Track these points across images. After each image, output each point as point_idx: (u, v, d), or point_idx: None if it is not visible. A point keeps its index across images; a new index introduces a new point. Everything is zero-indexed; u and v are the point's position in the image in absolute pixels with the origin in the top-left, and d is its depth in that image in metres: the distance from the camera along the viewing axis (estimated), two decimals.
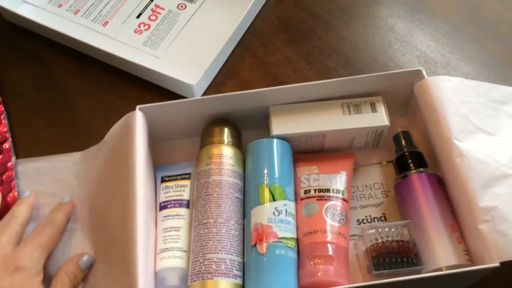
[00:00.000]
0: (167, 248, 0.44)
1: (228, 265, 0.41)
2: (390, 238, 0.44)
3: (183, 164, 0.50)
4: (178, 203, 0.46)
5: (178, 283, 0.42)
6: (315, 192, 0.46)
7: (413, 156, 0.48)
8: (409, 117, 0.53)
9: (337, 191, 0.46)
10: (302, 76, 0.60)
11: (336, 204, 0.45)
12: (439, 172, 0.47)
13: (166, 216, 0.46)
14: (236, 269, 0.41)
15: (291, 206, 0.45)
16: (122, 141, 0.47)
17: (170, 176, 0.49)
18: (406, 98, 0.52)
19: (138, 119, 0.47)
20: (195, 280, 0.41)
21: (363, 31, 0.64)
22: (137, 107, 0.48)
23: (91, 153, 0.52)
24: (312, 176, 0.47)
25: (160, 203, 0.47)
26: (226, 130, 0.49)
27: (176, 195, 0.47)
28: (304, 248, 0.43)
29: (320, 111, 0.49)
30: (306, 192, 0.47)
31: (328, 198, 0.45)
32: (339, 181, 0.47)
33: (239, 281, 0.41)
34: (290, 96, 0.49)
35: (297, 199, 0.47)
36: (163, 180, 0.49)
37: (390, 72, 0.49)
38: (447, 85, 0.47)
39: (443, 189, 0.46)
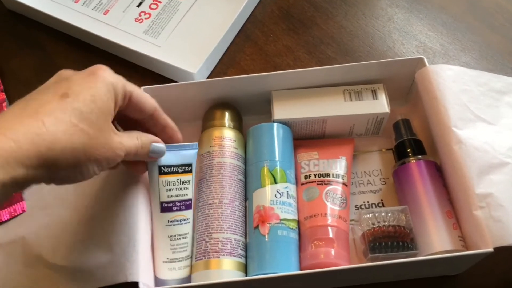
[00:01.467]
0: (177, 259, 0.42)
1: (233, 244, 0.42)
2: (386, 223, 0.44)
3: (179, 146, 0.43)
4: (184, 205, 0.42)
5: None
6: (315, 177, 0.47)
7: (412, 144, 0.49)
8: (410, 106, 0.54)
9: (337, 176, 0.47)
10: (302, 65, 0.60)
11: (336, 188, 0.46)
12: (437, 160, 0.48)
13: (172, 221, 0.42)
14: (240, 249, 0.42)
15: (292, 188, 0.45)
16: None
17: (169, 168, 0.42)
18: (406, 87, 0.53)
19: None
20: (200, 259, 0.42)
21: (363, 20, 0.64)
22: (141, 88, 0.48)
23: None
24: (312, 161, 0.48)
25: (162, 203, 0.42)
26: (227, 113, 0.50)
27: (180, 195, 0.42)
28: (305, 232, 0.44)
29: (322, 97, 0.49)
30: (306, 177, 0.47)
31: (328, 183, 0.46)
32: (339, 166, 0.48)
33: (243, 260, 0.42)
34: (292, 81, 0.50)
35: (297, 184, 0.47)
36: (161, 171, 0.42)
37: (392, 59, 0.50)
38: (448, 73, 0.48)
39: (440, 176, 0.47)
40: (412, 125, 0.50)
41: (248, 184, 0.46)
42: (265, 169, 0.45)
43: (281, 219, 0.43)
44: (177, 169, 0.42)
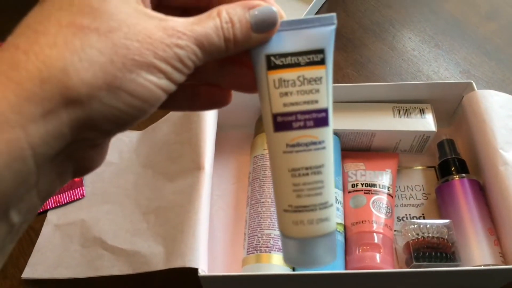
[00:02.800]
0: (305, 207, 0.26)
1: None
2: (430, 235, 0.46)
3: (301, 21, 0.25)
4: (312, 119, 0.25)
5: (329, 256, 0.27)
6: (362, 186, 0.49)
7: (456, 162, 0.51)
8: (453, 127, 0.56)
9: (383, 187, 0.49)
10: (350, 82, 0.63)
11: (382, 198, 0.48)
12: (480, 180, 0.50)
13: (293, 145, 0.26)
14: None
15: (339, 194, 0.48)
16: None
17: (284, 57, 0.25)
18: (451, 109, 0.55)
19: None
20: (252, 253, 0.44)
21: (409, 44, 0.67)
22: None
23: (149, 131, 0.56)
24: (359, 171, 0.51)
25: (275, 115, 0.26)
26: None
27: (305, 101, 0.25)
28: (352, 236, 0.46)
29: (372, 112, 0.52)
30: (353, 185, 0.50)
31: (375, 192, 0.49)
32: (385, 178, 0.50)
33: None
34: (343, 95, 0.52)
35: (344, 192, 0.50)
36: (271, 65, 0.25)
37: (441, 81, 0.53)
38: (496, 99, 0.50)
39: (483, 195, 0.49)
40: (456, 145, 0.53)
41: None
42: None
43: None
44: (297, 58, 0.25)
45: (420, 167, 0.55)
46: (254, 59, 0.25)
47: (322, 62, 0.25)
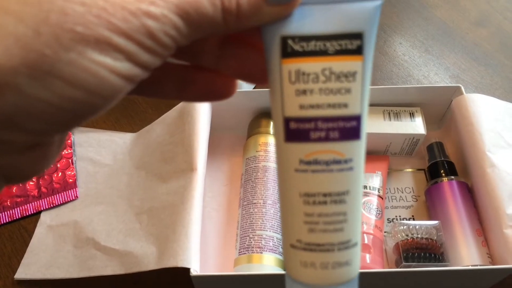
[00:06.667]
0: (320, 245, 0.19)
1: (275, 242, 0.45)
2: (420, 235, 0.47)
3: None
4: (339, 128, 0.19)
5: None
6: None
7: (445, 165, 0.52)
8: (443, 130, 0.57)
9: (373, 188, 0.50)
10: None
11: (372, 199, 0.49)
12: (468, 182, 0.51)
13: (309, 162, 0.19)
14: (281, 248, 0.45)
15: None
16: (182, 113, 0.51)
17: (306, 41, 0.18)
18: (441, 113, 0.56)
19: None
20: (244, 253, 0.44)
21: (400, 49, 0.68)
22: None
23: (143, 133, 0.56)
24: None
25: (287, 119, 0.19)
26: (272, 122, 0.53)
27: (330, 103, 0.18)
28: None
29: None
30: None
31: (365, 194, 0.49)
32: (375, 180, 0.51)
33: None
34: None
35: None
36: (287, 49, 0.18)
37: (431, 85, 0.54)
38: (484, 103, 0.51)
39: (471, 197, 0.50)
40: (445, 148, 0.54)
41: None
42: None
43: None
44: (324, 44, 0.18)
45: (410, 170, 0.56)
46: (266, 41, 0.18)
47: (358, 51, 0.18)
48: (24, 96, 0.14)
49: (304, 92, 0.18)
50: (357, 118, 0.18)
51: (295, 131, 0.18)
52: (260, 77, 0.20)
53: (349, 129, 0.18)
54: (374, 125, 0.52)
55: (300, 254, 0.19)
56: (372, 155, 0.55)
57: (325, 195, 0.19)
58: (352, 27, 0.18)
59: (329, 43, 0.18)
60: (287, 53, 0.18)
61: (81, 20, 0.14)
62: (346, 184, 0.19)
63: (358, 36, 0.18)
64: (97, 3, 0.14)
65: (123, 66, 0.15)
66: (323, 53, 0.18)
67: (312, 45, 0.18)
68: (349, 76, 0.18)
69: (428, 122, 0.54)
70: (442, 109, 0.56)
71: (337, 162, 0.19)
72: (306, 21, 0.18)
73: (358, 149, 0.19)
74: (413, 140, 0.53)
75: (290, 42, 0.18)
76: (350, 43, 0.18)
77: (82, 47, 0.14)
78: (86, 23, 0.14)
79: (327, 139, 0.18)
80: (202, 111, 0.51)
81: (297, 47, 0.18)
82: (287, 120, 0.19)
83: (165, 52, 0.16)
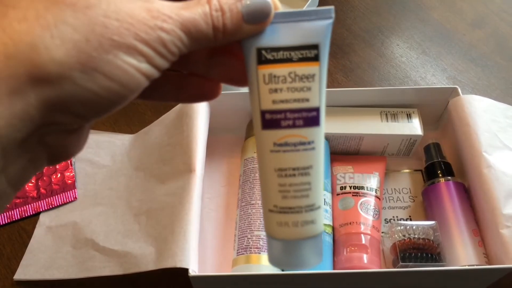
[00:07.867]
0: (290, 208, 0.25)
1: None
2: (416, 236, 0.47)
3: (296, 13, 0.24)
4: (302, 118, 0.24)
5: (314, 259, 0.26)
6: (350, 188, 0.50)
7: (442, 166, 0.52)
8: (439, 131, 0.57)
9: (371, 189, 0.50)
10: (339, 87, 0.64)
11: (369, 200, 0.49)
12: (465, 182, 0.51)
13: (280, 144, 0.24)
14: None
15: (328, 196, 0.49)
16: (180, 115, 0.51)
17: (276, 52, 0.24)
18: (438, 114, 0.57)
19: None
20: (242, 254, 0.45)
21: (398, 51, 0.69)
22: None
23: (142, 134, 0.56)
24: (348, 174, 0.52)
25: (263, 112, 0.24)
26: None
27: (295, 99, 0.24)
28: (340, 238, 0.47)
29: (360, 116, 0.53)
30: (342, 188, 0.51)
31: (363, 195, 0.50)
32: (372, 180, 0.51)
33: None
34: (332, 99, 0.54)
35: (333, 194, 0.51)
36: (262, 59, 0.24)
37: (428, 86, 0.54)
38: (480, 104, 0.52)
39: (468, 197, 0.50)
40: (442, 148, 0.54)
41: None
42: None
43: None
44: (289, 53, 0.24)
45: (407, 170, 0.56)
46: (245, 52, 0.24)
47: (315, 58, 0.23)
48: (77, 86, 0.18)
49: (275, 90, 0.24)
50: (317, 110, 0.24)
51: (270, 121, 0.24)
52: (241, 80, 0.25)
53: (311, 118, 0.24)
54: (371, 126, 0.53)
55: (276, 216, 0.25)
56: (370, 156, 0.55)
57: (294, 169, 0.24)
58: (311, 40, 0.23)
59: (293, 53, 0.23)
60: (262, 61, 0.23)
61: (116, 32, 0.19)
62: (310, 160, 0.24)
63: (315, 47, 0.23)
64: (127, 20, 0.19)
65: (145, 66, 0.20)
66: (289, 60, 0.23)
67: (280, 54, 0.23)
68: (309, 77, 0.23)
69: (425, 123, 0.54)
70: (439, 110, 0.56)
71: (302, 143, 0.24)
72: (276, 36, 0.23)
73: (318, 133, 0.24)
74: (410, 141, 0.53)
75: (263, 52, 0.23)
76: (309, 52, 0.23)
77: (117, 51, 0.19)
78: (120, 34, 0.19)
79: (294, 126, 0.24)
80: (200, 113, 0.51)
81: (269, 56, 0.23)
82: (263, 113, 0.24)
83: (172, 58, 0.21)
